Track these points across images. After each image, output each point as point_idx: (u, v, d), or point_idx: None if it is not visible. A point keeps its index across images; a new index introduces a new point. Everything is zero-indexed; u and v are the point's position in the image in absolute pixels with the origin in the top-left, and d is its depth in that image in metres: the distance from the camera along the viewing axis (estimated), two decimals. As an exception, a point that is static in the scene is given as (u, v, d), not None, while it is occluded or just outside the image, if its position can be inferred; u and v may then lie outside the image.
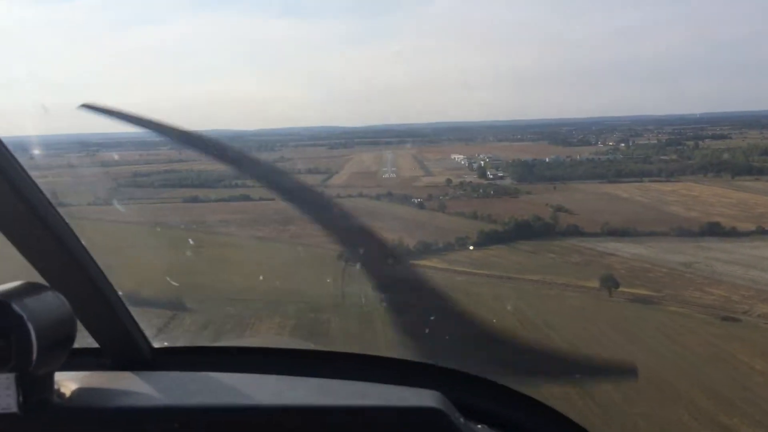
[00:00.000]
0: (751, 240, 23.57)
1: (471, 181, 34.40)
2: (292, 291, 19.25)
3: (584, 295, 19.79)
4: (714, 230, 24.46)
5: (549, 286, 20.46)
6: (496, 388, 2.05)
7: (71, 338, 1.75)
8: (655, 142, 43.03)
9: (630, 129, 48.09)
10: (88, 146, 32.00)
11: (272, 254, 23.58)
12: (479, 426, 1.92)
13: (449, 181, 34.07)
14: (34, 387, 1.65)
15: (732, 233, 24.21)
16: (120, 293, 2.04)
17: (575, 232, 25.45)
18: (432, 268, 22.53)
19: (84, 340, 1.95)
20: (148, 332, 2.18)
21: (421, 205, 30.27)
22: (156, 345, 2.19)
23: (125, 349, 2.09)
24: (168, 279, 15.13)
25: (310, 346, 3.64)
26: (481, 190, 32.71)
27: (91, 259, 1.91)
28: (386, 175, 36.93)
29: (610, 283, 19.70)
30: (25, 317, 1.55)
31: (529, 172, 34.93)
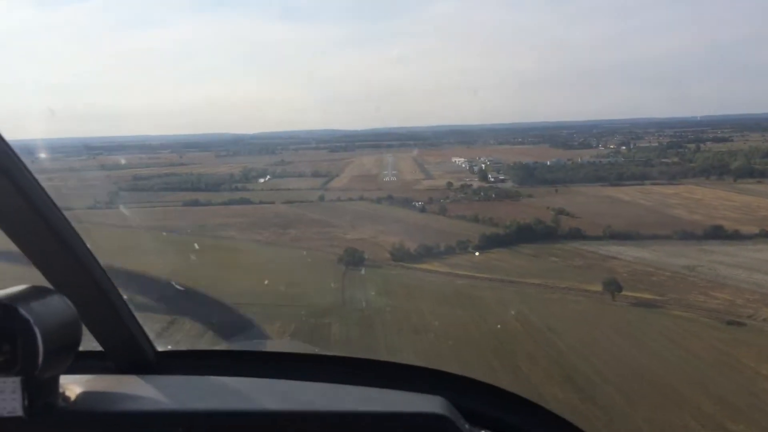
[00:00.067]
0: (754, 243, 23.43)
1: (472, 185, 34.36)
2: (292, 295, 19.14)
3: (587, 299, 19.65)
4: (717, 233, 24.34)
5: (551, 290, 20.32)
6: (501, 394, 2.02)
7: (77, 342, 1.75)
8: (656, 145, 43.02)
9: (631, 132, 48.11)
10: (91, 149, 32.03)
11: (272, 258, 23.47)
12: None
13: (450, 184, 34.00)
14: (40, 391, 1.65)
15: (735, 236, 24.09)
16: (125, 297, 2.03)
17: (577, 235, 25.35)
18: (433, 271, 22.43)
19: (87, 343, 1.93)
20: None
21: (422, 209, 30.22)
22: (159, 348, 2.18)
23: (129, 353, 2.08)
24: (172, 282, 15.05)
25: (314, 350, 3.58)
26: (482, 193, 32.64)
27: (96, 262, 1.90)
28: (387, 179, 36.87)
29: (614, 286, 19.56)
30: (31, 321, 1.55)
31: (530, 175, 34.86)
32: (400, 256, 23.44)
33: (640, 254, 23.02)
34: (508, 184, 34.33)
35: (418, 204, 30.69)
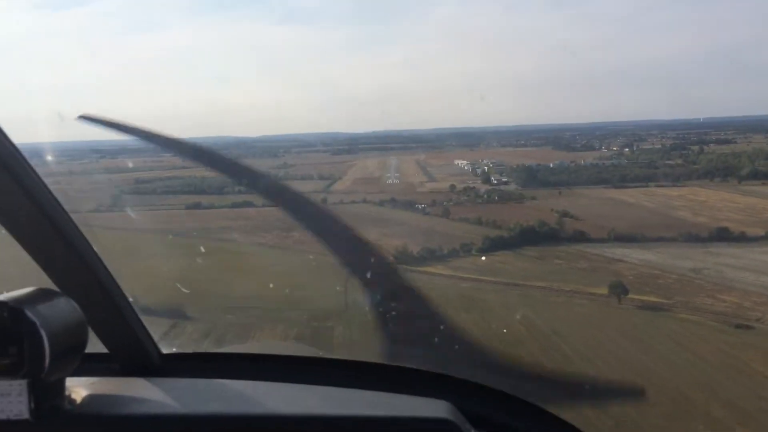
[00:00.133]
0: (760, 245, 23.26)
1: (475, 187, 34.24)
2: (295, 298, 19.07)
3: (593, 302, 19.52)
4: (723, 235, 24.19)
5: (556, 293, 20.20)
6: (507, 399, 2.03)
7: (83, 344, 1.76)
8: (660, 147, 42.85)
9: (634, 134, 47.96)
10: (97, 153, 32.09)
11: (275, 261, 23.41)
12: None
13: (453, 186, 33.89)
14: (46, 393, 1.65)
15: (741, 238, 23.92)
16: (130, 299, 2.04)
17: (582, 237, 25.22)
18: (437, 274, 22.33)
19: (92, 345, 1.94)
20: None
21: (425, 211, 30.13)
22: (164, 351, 2.21)
23: (134, 355, 2.10)
24: (178, 285, 15.02)
25: (319, 353, 3.59)
26: (485, 196, 32.52)
27: (102, 264, 1.92)
28: (390, 181, 36.80)
29: (619, 289, 19.42)
30: (38, 324, 1.55)
31: (533, 178, 34.77)
32: (404, 259, 23.34)
33: (645, 257, 22.88)
34: (512, 187, 34.23)
35: (421, 207, 30.62)
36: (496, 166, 38.22)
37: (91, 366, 1.96)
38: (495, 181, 35.05)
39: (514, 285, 21.08)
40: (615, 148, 43.44)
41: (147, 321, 2.12)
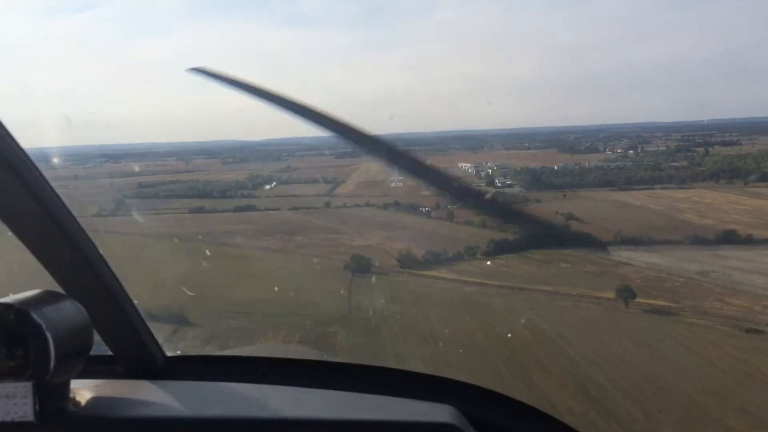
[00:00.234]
0: (768, 248, 23.03)
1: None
2: (298, 303, 18.99)
3: (600, 306, 19.34)
4: (730, 238, 23.95)
5: (563, 297, 20.03)
6: (511, 403, 2.02)
7: (88, 347, 1.77)
8: (664, 149, 42.65)
9: (638, 136, 47.75)
10: (102, 157, 32.19)
11: (278, 265, 23.33)
12: None
13: (457, 189, 33.77)
14: (51, 396, 1.67)
15: (749, 241, 23.68)
16: (135, 302, 2.06)
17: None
18: (441, 278, 22.20)
19: (96, 347, 1.94)
20: None
21: (428, 214, 30.03)
22: (169, 354, 2.21)
23: (139, 358, 2.10)
24: (183, 288, 14.98)
25: (322, 356, 3.56)
26: (489, 199, 32.38)
27: (108, 268, 1.93)
28: (393, 184, 36.70)
29: (627, 293, 19.23)
30: (43, 326, 1.56)
31: (537, 180, 34.68)
32: (408, 262, 23.23)
33: (652, 260, 22.67)
34: (516, 189, 34.14)
35: (425, 210, 30.53)
36: (500, 169, 38.08)
37: (95, 368, 1.98)
38: (499, 184, 34.91)
39: (519, 289, 20.93)
40: (619, 151, 43.25)
41: (153, 323, 2.13)
